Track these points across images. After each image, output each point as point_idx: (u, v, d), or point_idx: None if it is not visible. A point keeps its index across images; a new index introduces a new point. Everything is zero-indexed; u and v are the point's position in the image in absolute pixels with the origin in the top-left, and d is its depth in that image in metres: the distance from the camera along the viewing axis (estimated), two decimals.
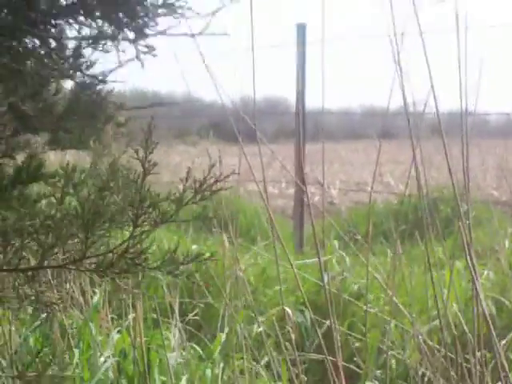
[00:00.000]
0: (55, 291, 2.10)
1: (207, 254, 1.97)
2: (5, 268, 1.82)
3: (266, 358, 2.90)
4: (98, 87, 1.94)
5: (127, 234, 1.83)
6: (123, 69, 1.63)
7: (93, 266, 1.83)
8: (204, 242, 5.30)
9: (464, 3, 2.12)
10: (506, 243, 4.52)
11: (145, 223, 1.80)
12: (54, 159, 2.09)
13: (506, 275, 4.04)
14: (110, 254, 1.81)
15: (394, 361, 3.12)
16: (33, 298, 1.96)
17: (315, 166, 10.98)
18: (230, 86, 2.38)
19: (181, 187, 1.79)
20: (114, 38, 1.52)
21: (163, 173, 8.94)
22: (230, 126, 2.35)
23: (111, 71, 1.56)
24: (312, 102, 7.01)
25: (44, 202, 1.82)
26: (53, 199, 1.80)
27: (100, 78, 1.63)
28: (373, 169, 2.53)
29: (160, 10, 1.54)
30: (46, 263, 1.82)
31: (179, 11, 1.54)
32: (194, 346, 3.25)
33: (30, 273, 1.89)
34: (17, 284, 1.93)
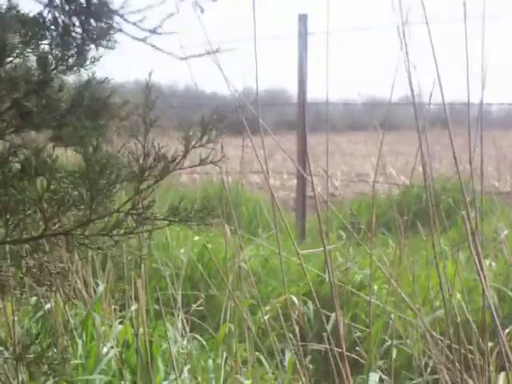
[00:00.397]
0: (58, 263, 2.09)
1: (209, 245, 1.97)
2: (8, 240, 1.80)
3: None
4: (103, 84, 1.94)
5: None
6: (124, 63, 1.61)
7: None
8: (207, 233, 5.30)
9: None
10: (507, 233, 4.51)
11: (150, 177, 1.78)
12: (57, 153, 2.08)
13: (509, 265, 4.04)
14: (116, 214, 1.79)
15: (396, 351, 3.12)
16: (34, 270, 1.94)
17: (316, 157, 10.97)
18: (232, 77, 2.38)
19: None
20: None
21: None
22: (231, 117, 2.34)
23: (161, 22, 1.53)
24: (312, 93, 6.99)
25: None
26: None
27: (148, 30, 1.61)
28: (374, 160, 2.53)
29: None
30: (48, 232, 1.80)
31: None
32: (197, 336, 3.25)
33: (32, 243, 1.87)
34: (19, 259, 1.91)
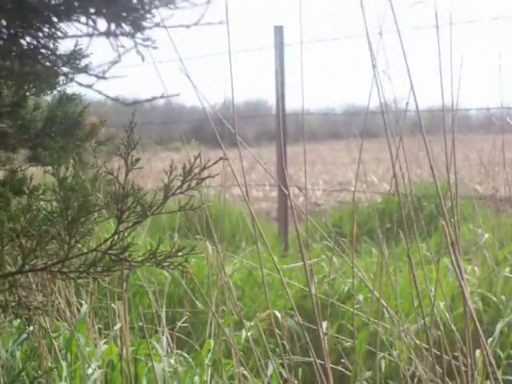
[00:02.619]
0: (38, 296, 2.08)
1: (193, 260, 1.97)
2: None
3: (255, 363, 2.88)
4: (75, 102, 1.93)
5: (109, 234, 1.82)
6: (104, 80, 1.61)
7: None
8: (191, 247, 5.27)
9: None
10: (489, 237, 4.53)
11: (129, 218, 1.79)
12: (34, 171, 2.07)
13: (492, 270, 4.06)
14: (94, 253, 1.80)
15: (383, 361, 3.11)
16: (13, 304, 1.94)
17: (298, 167, 10.98)
18: (211, 90, 2.38)
19: (166, 179, 1.79)
20: (110, 33, 1.50)
21: (146, 180, 8.91)
22: (212, 130, 2.34)
23: (108, 68, 1.53)
24: (292, 104, 7.01)
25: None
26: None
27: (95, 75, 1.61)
28: (355, 168, 2.53)
29: (156, 2, 1.52)
30: (27, 267, 1.80)
31: (176, 3, 1.53)
32: (183, 353, 3.24)
33: (10, 278, 1.87)
34: None
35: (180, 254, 1.89)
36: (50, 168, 1.88)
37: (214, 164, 1.81)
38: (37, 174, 2.12)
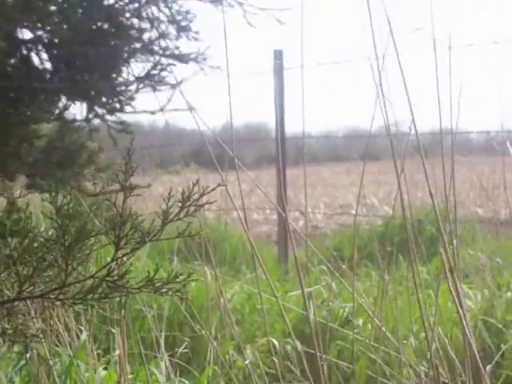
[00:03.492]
0: (36, 322, 2.07)
1: (193, 284, 1.96)
2: None
3: None
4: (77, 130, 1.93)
5: (107, 259, 1.81)
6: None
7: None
8: (189, 273, 5.25)
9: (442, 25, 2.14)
10: (489, 261, 4.51)
11: (127, 245, 1.78)
12: (32, 197, 2.07)
13: (493, 294, 4.03)
14: (91, 280, 1.79)
15: None
16: (10, 331, 1.93)
17: (298, 190, 10.98)
18: (212, 113, 2.38)
19: (164, 206, 1.78)
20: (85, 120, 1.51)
21: (148, 203, 8.90)
22: (211, 153, 2.34)
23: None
24: (293, 127, 7.03)
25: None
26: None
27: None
28: (356, 190, 2.53)
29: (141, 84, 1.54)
30: (24, 294, 1.79)
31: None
32: (183, 380, 3.22)
33: (8, 305, 1.86)
34: None
35: (178, 280, 1.88)
36: (47, 196, 1.87)
37: (212, 190, 1.81)
38: (34, 199, 2.11)
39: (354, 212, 2.46)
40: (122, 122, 1.53)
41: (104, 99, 1.48)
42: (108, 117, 1.55)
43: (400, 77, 2.13)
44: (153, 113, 1.53)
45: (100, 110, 1.50)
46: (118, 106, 1.49)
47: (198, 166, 7.63)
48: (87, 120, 1.48)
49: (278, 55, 6.68)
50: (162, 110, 1.46)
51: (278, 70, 6.64)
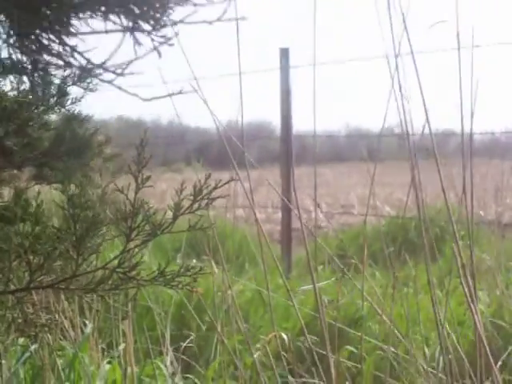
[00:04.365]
0: (43, 313, 2.05)
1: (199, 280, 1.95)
2: None
3: None
4: (85, 122, 1.92)
5: (116, 251, 1.80)
6: (109, 98, 1.61)
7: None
8: (200, 267, 5.23)
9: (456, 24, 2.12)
10: (494, 263, 4.50)
11: (138, 237, 1.77)
12: (40, 187, 2.06)
13: (502, 294, 4.02)
14: (101, 271, 1.78)
15: None
16: (20, 321, 1.91)
17: (301, 190, 10.95)
18: (216, 111, 2.37)
19: (172, 199, 1.77)
20: (129, 29, 1.49)
21: (151, 200, 8.89)
22: (215, 151, 2.33)
23: (128, 64, 1.52)
24: (296, 125, 7.01)
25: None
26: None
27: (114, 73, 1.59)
28: (358, 191, 2.52)
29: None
30: (34, 284, 1.78)
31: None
32: (188, 375, 3.21)
33: (18, 294, 1.85)
34: (4, 310, 1.88)
35: (189, 273, 1.87)
36: (57, 185, 1.86)
37: (225, 184, 1.80)
38: (42, 190, 2.10)
39: (355, 212, 2.45)
40: (164, 36, 1.52)
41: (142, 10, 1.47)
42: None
43: (412, 76, 2.12)
44: (210, 23, 1.51)
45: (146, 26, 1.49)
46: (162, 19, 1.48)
47: (202, 165, 7.61)
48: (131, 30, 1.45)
49: (285, 53, 6.66)
50: (219, 19, 1.44)
51: (285, 69, 6.63)
